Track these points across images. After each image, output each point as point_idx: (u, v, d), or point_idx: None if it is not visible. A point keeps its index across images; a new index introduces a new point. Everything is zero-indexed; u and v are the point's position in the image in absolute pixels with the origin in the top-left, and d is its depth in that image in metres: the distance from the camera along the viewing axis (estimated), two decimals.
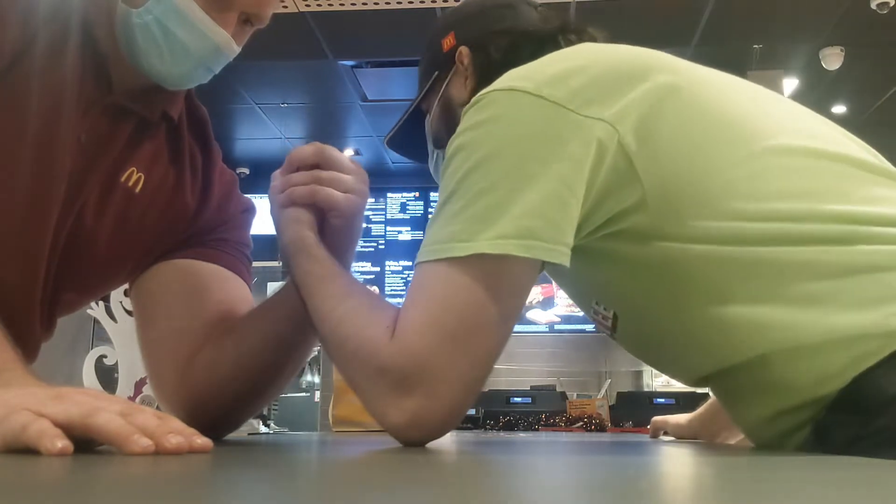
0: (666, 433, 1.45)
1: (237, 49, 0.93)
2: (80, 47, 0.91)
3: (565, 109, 0.76)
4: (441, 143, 1.03)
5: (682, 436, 1.38)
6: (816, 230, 0.74)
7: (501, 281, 0.74)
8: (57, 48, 0.89)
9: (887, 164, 0.85)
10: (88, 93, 0.92)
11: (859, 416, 0.70)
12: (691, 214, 0.75)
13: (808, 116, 0.88)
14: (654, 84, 0.79)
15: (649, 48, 0.85)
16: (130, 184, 0.97)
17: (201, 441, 0.59)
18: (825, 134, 0.85)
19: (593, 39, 1.00)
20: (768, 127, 0.81)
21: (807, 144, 0.81)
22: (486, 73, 0.97)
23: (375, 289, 5.69)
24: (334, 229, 0.92)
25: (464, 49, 1.04)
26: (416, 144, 1.14)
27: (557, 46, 0.94)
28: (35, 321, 0.96)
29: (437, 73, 1.07)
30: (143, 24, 0.87)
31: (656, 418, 1.48)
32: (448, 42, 1.06)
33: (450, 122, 1.00)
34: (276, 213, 0.92)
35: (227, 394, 0.98)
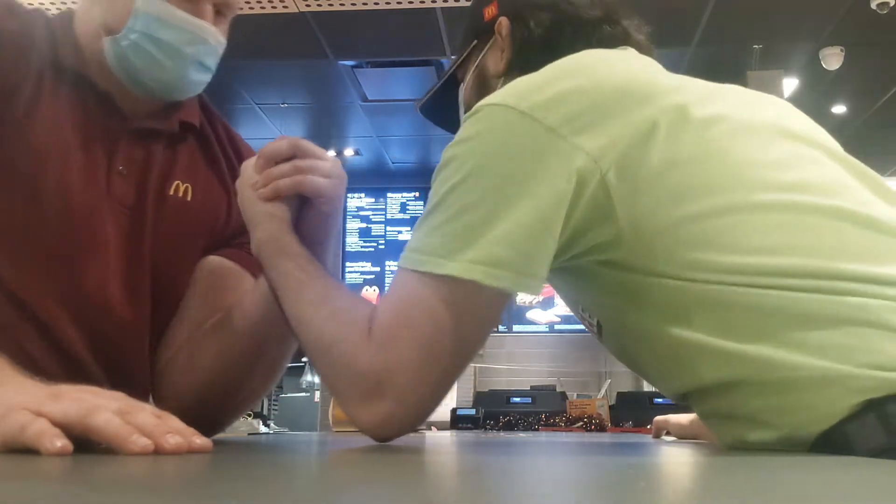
0: (668, 433, 1.45)
1: (223, 40, 0.96)
2: (75, 93, 0.93)
3: (556, 135, 0.76)
4: None
5: (684, 436, 1.38)
6: (796, 284, 0.72)
7: (471, 304, 0.77)
8: (48, 98, 0.91)
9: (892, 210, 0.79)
10: (105, 128, 0.95)
11: None
12: (663, 259, 0.75)
13: (819, 156, 0.82)
14: (649, 114, 0.76)
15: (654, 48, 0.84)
16: (180, 195, 1.00)
17: (200, 441, 0.59)
18: (831, 181, 0.79)
19: (626, 36, 0.97)
20: (766, 171, 0.77)
21: (802, 199, 0.75)
22: (522, 48, 0.97)
23: (376, 289, 5.71)
24: (321, 216, 0.92)
25: (504, 20, 1.00)
26: (449, 111, 1.13)
27: (595, 34, 0.94)
28: (145, 361, 1.00)
29: (475, 41, 1.05)
30: (131, 43, 0.90)
31: (658, 418, 1.48)
32: (490, 11, 1.03)
33: (482, 93, 0.97)
34: (249, 208, 0.92)
35: (204, 388, 0.99)
